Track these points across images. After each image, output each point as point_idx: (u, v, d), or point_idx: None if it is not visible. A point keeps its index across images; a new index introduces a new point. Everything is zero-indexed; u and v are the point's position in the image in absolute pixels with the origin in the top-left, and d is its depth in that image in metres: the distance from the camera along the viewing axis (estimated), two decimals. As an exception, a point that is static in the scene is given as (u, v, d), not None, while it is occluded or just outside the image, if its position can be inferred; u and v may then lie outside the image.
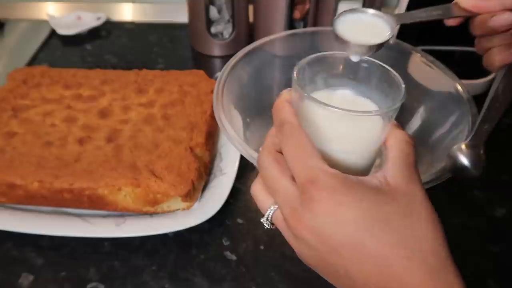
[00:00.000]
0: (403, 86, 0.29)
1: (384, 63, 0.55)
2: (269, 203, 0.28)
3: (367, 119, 0.29)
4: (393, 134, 0.28)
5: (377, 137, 0.29)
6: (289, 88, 0.30)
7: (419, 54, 0.53)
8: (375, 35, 0.32)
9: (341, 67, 0.33)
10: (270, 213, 0.28)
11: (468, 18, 0.34)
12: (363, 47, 0.32)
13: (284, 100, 0.29)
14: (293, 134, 0.26)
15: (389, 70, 0.31)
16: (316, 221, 0.24)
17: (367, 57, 0.31)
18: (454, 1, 0.33)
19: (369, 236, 0.23)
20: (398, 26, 0.33)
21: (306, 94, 0.28)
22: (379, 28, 0.33)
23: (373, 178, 0.26)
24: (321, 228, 0.24)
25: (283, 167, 0.27)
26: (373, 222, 0.23)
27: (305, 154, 0.26)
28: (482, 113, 0.36)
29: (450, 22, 0.35)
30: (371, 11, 0.34)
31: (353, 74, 0.33)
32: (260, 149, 0.29)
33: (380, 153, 0.31)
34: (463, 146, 0.33)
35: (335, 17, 0.33)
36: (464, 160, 0.33)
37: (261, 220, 0.29)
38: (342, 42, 0.33)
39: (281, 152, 0.28)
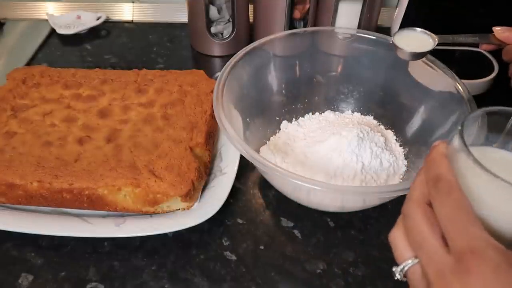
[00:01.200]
0: None
1: (384, 62, 0.55)
2: (409, 256, 0.27)
3: None
4: None
5: None
6: (446, 140, 0.28)
7: (443, 35, 0.53)
8: (422, 47, 0.47)
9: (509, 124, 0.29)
10: (407, 266, 0.27)
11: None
12: (414, 54, 0.47)
13: (441, 154, 0.27)
14: (452, 194, 0.24)
15: None
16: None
17: None
18: (493, 32, 0.45)
19: None
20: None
21: (472, 158, 0.25)
22: (425, 41, 0.48)
23: None
24: None
25: (434, 225, 0.25)
26: None
27: (467, 219, 0.23)
28: None
29: (484, 47, 0.49)
30: (419, 29, 0.49)
31: None
32: (407, 196, 0.28)
33: None
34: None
35: (394, 33, 0.48)
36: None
37: (394, 269, 0.28)
38: (399, 50, 0.48)
39: (430, 206, 0.26)
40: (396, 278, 0.28)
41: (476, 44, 0.50)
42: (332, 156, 0.55)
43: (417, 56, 0.48)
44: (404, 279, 0.28)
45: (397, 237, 0.28)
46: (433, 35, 0.48)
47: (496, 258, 0.22)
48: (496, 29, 0.44)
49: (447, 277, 0.23)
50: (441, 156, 0.27)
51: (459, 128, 0.26)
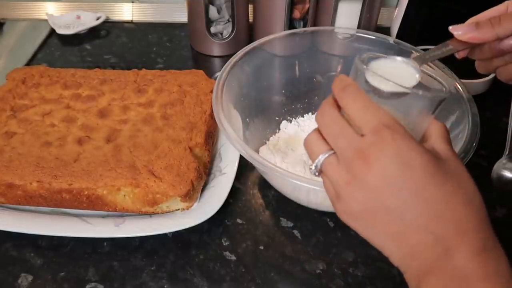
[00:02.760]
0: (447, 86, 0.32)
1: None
2: (323, 149, 0.29)
3: (421, 99, 0.30)
4: (435, 122, 0.31)
5: (423, 120, 0.31)
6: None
7: (419, 54, 0.53)
8: (405, 80, 0.33)
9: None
10: (322, 158, 0.29)
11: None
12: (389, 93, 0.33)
13: (344, 75, 0.31)
14: (358, 92, 0.28)
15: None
16: (385, 162, 0.26)
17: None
18: (453, 38, 0.36)
19: (433, 183, 0.25)
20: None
21: (365, 67, 0.31)
22: (408, 73, 0.35)
23: (424, 144, 0.29)
24: (390, 168, 0.25)
25: (346, 120, 0.28)
26: (435, 171, 0.26)
27: (373, 106, 0.27)
28: (510, 129, 0.41)
29: (461, 54, 0.40)
30: (398, 58, 0.35)
31: None
32: (322, 105, 0.30)
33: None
34: (504, 161, 0.34)
35: (363, 63, 0.33)
36: (510, 174, 0.37)
37: (310, 166, 0.30)
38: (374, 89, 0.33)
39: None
40: (313, 173, 0.30)
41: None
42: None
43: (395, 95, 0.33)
44: (319, 175, 0.30)
45: (312, 138, 0.30)
46: (416, 64, 0.35)
47: (403, 130, 0.26)
48: (456, 33, 0.35)
49: (365, 151, 0.26)
50: (345, 76, 0.31)
51: (356, 58, 0.32)
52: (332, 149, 0.29)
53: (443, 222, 0.25)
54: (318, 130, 0.30)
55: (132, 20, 0.90)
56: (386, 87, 0.30)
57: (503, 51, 0.35)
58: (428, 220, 0.26)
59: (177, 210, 0.48)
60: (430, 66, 0.52)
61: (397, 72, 0.35)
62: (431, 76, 0.33)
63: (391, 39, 0.54)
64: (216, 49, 0.79)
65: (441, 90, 0.32)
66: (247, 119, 0.56)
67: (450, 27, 0.35)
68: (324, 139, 0.29)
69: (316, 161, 0.29)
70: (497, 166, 0.34)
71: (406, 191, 0.25)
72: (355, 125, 0.28)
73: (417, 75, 0.34)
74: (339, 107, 0.30)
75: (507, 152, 0.37)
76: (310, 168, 0.30)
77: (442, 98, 0.30)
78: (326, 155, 0.29)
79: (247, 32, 0.79)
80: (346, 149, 0.27)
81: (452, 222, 0.25)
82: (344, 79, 0.30)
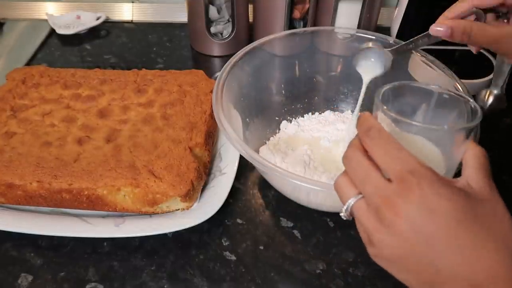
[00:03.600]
0: (479, 109, 0.31)
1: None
2: (353, 193, 0.29)
3: (445, 134, 0.31)
4: (472, 147, 0.30)
5: (458, 146, 0.31)
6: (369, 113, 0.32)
7: (419, 54, 0.53)
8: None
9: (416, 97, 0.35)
10: (352, 202, 0.29)
11: None
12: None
13: (368, 114, 0.31)
14: (382, 135, 0.28)
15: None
16: (412, 209, 0.25)
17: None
18: (428, 32, 0.41)
19: (463, 229, 0.25)
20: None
21: (393, 115, 0.30)
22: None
23: (457, 181, 0.28)
24: (416, 216, 0.25)
25: (373, 163, 0.28)
26: (465, 216, 0.25)
27: (398, 149, 0.27)
28: (494, 72, 0.51)
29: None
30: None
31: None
32: (348, 148, 0.30)
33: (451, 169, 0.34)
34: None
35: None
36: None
37: (341, 211, 0.30)
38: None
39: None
40: (343, 217, 0.31)
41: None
42: (332, 157, 0.55)
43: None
44: (349, 218, 0.31)
45: (341, 181, 0.30)
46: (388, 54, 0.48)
47: (429, 174, 0.26)
48: (436, 34, 0.41)
49: (391, 198, 0.26)
50: (369, 115, 0.31)
51: (377, 95, 0.32)
52: (360, 193, 0.29)
53: (475, 269, 0.25)
54: (346, 173, 0.30)
55: (132, 20, 0.90)
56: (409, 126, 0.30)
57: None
58: (459, 267, 0.25)
59: (177, 210, 0.48)
60: (430, 66, 0.52)
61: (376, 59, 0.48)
62: (461, 96, 0.33)
63: (391, 39, 0.54)
64: (216, 49, 0.79)
65: (473, 115, 0.31)
66: (247, 119, 0.56)
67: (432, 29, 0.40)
68: (352, 183, 0.29)
69: (346, 205, 0.30)
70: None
71: (435, 239, 0.25)
72: (382, 169, 0.28)
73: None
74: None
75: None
76: (340, 212, 0.31)
77: (473, 126, 0.30)
78: (355, 199, 0.29)
79: (247, 32, 0.79)
80: (373, 195, 0.27)
81: (484, 269, 0.25)
82: (367, 119, 0.30)
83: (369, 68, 0.50)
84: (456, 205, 0.25)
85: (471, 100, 0.32)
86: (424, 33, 0.43)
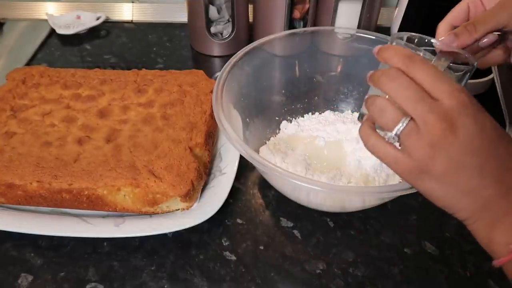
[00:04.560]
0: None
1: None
2: (401, 116, 0.30)
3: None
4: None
5: None
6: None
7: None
8: None
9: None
10: (404, 124, 0.30)
11: None
12: None
13: (396, 46, 0.32)
14: (424, 61, 0.30)
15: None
16: (469, 124, 0.28)
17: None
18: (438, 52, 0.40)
19: (503, 142, 0.30)
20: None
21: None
22: None
23: None
24: (472, 130, 0.28)
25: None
26: (501, 133, 0.30)
27: (441, 72, 0.30)
28: (503, 101, 0.51)
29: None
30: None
31: None
32: (387, 70, 0.31)
33: None
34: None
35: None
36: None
37: (389, 134, 0.31)
38: None
39: None
40: (391, 139, 0.31)
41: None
42: (332, 157, 0.55)
43: None
44: (393, 140, 0.31)
45: (383, 103, 0.31)
46: None
47: (469, 94, 0.29)
48: (442, 47, 0.38)
49: (449, 114, 0.28)
50: (396, 46, 0.32)
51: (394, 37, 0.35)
52: (407, 115, 0.30)
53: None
54: (384, 98, 0.31)
55: (132, 20, 0.90)
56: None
57: (481, 48, 0.40)
58: (502, 172, 0.29)
59: (177, 210, 0.48)
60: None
61: None
62: (458, 52, 0.35)
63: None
64: (216, 49, 0.79)
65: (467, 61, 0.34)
66: (247, 119, 0.56)
67: (435, 43, 0.38)
68: (396, 105, 0.30)
69: (397, 127, 0.30)
70: None
71: (485, 149, 0.29)
72: (428, 90, 0.29)
73: None
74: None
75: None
76: (387, 137, 0.31)
77: (471, 70, 0.32)
78: (406, 121, 0.30)
79: (247, 32, 0.79)
80: (428, 113, 0.29)
81: None
82: (400, 50, 0.31)
83: None
84: (495, 123, 0.30)
85: (468, 54, 0.35)
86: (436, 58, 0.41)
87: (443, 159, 0.29)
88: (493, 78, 0.67)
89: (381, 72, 0.31)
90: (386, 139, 0.31)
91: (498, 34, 0.38)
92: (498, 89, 0.46)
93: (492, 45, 0.39)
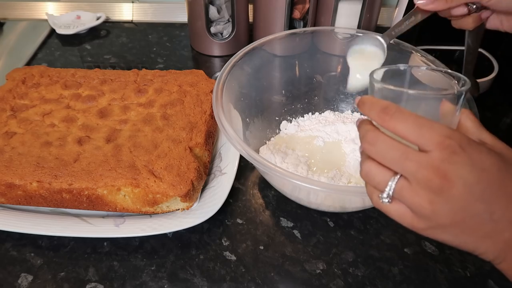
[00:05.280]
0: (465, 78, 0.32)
1: (385, 62, 0.55)
2: (389, 176, 0.29)
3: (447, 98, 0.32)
4: (463, 113, 0.32)
5: (452, 115, 0.32)
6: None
7: (419, 54, 0.53)
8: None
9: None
10: (393, 185, 0.29)
11: None
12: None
13: (370, 96, 0.31)
14: (401, 110, 0.28)
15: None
16: (464, 171, 0.26)
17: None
18: (416, 7, 0.43)
19: (508, 178, 0.27)
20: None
21: (390, 87, 0.31)
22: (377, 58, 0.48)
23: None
24: (469, 176, 0.26)
25: (400, 142, 0.28)
26: (505, 166, 0.27)
27: (424, 119, 0.28)
28: (464, 59, 0.49)
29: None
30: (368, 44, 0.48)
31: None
32: (363, 133, 0.30)
33: None
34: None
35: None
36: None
37: (380, 196, 0.29)
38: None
39: None
40: (384, 201, 0.29)
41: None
42: (331, 157, 0.55)
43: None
44: (391, 202, 0.29)
45: (370, 168, 0.30)
46: (382, 37, 0.48)
47: (462, 135, 0.27)
48: (419, 3, 0.42)
49: (440, 166, 0.26)
50: (373, 97, 0.31)
51: (372, 76, 0.32)
52: (395, 173, 0.29)
53: None
54: (371, 159, 0.30)
55: (132, 20, 0.90)
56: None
57: (455, 16, 0.42)
58: None
59: (177, 210, 0.48)
60: (430, 66, 0.52)
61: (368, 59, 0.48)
62: (448, 73, 0.34)
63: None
64: (216, 49, 0.79)
65: (460, 81, 0.33)
66: (247, 119, 0.56)
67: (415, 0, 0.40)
68: (383, 166, 0.29)
69: (387, 189, 0.29)
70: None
71: (488, 193, 0.27)
72: (410, 144, 0.28)
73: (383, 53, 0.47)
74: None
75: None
76: (380, 197, 0.29)
77: (463, 92, 0.31)
78: (395, 180, 0.28)
79: (247, 32, 0.79)
80: (418, 170, 0.27)
81: None
82: (375, 101, 0.30)
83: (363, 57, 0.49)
84: (497, 159, 0.27)
85: (459, 74, 0.33)
86: (410, 11, 0.44)
87: (447, 213, 0.27)
88: (493, 79, 0.67)
89: (362, 137, 0.30)
90: (385, 198, 0.30)
91: (474, 5, 0.41)
92: (465, 47, 0.49)
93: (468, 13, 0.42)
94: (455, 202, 0.27)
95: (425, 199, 0.27)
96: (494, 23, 0.44)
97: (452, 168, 0.26)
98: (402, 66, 0.35)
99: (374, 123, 0.30)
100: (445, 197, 0.27)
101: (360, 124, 0.31)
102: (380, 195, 0.29)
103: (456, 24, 0.45)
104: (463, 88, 0.30)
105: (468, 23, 0.43)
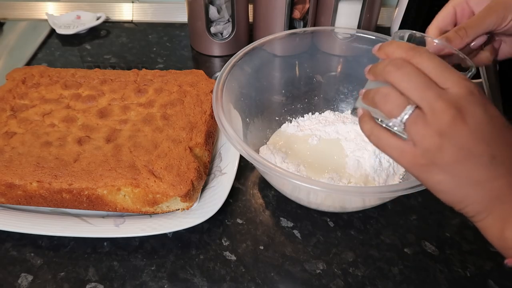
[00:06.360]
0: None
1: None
2: (406, 103, 0.29)
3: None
4: None
5: None
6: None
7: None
8: None
9: None
10: (410, 110, 0.29)
11: None
12: None
13: (399, 42, 0.32)
14: (429, 51, 0.30)
15: None
16: (479, 112, 0.28)
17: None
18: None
19: (508, 131, 0.29)
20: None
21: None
22: None
23: None
24: (481, 119, 0.28)
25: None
26: (506, 123, 0.29)
27: (446, 63, 0.30)
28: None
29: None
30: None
31: None
32: (392, 59, 0.31)
33: None
34: None
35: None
36: None
37: (392, 122, 0.30)
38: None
39: None
40: (399, 129, 0.30)
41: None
42: (331, 157, 0.55)
43: None
44: (397, 128, 0.30)
45: (390, 91, 0.30)
46: None
47: (476, 85, 0.29)
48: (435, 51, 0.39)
49: (458, 102, 0.28)
50: (399, 41, 0.32)
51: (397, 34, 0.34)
52: (413, 103, 0.29)
53: None
54: (388, 86, 0.30)
55: (132, 20, 0.90)
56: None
57: (471, 50, 0.41)
58: (510, 155, 0.28)
59: (177, 210, 0.48)
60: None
61: None
62: (461, 56, 0.35)
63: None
64: (216, 49, 0.79)
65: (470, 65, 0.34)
66: (247, 119, 0.56)
67: (437, 43, 0.38)
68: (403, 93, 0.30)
69: (403, 114, 0.29)
70: None
71: (494, 138, 0.28)
72: (434, 81, 0.29)
73: None
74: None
75: None
76: (392, 124, 0.30)
77: (472, 74, 0.32)
78: (413, 108, 0.29)
79: (247, 32, 0.79)
80: (437, 100, 0.28)
81: None
82: (403, 44, 0.31)
83: None
84: (501, 114, 0.29)
85: (471, 62, 0.35)
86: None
87: (452, 148, 0.28)
88: (481, 82, 0.67)
89: (387, 62, 0.31)
90: (397, 125, 0.30)
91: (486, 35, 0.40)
92: (485, 91, 0.47)
93: (480, 47, 0.40)
94: (463, 138, 0.28)
95: (436, 131, 0.28)
96: (505, 51, 0.43)
97: (467, 105, 0.28)
98: (418, 34, 0.36)
99: (371, 84, 0.32)
100: (456, 131, 0.28)
101: (382, 49, 0.32)
102: (390, 122, 0.30)
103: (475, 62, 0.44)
104: (469, 74, 0.33)
105: (486, 58, 0.42)
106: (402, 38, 0.36)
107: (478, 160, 0.28)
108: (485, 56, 0.41)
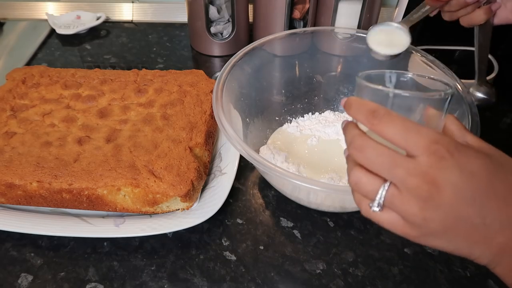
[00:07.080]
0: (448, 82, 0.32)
1: (384, 62, 0.55)
2: (379, 184, 0.28)
3: (433, 101, 0.31)
4: (448, 117, 0.32)
5: (438, 119, 0.31)
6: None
7: (419, 54, 0.53)
8: (396, 46, 0.48)
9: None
10: (383, 192, 0.28)
11: None
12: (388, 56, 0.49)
13: (355, 98, 0.30)
14: (391, 114, 0.28)
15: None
16: (452, 176, 0.26)
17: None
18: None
19: (498, 180, 0.26)
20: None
21: (377, 87, 0.30)
22: (400, 38, 0.48)
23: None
24: (458, 181, 0.26)
25: (389, 147, 0.28)
26: (494, 169, 0.27)
27: (412, 123, 0.27)
28: (476, 59, 0.51)
29: (434, 13, 0.49)
30: (394, 24, 0.49)
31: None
32: (349, 138, 0.29)
33: None
34: (476, 85, 0.48)
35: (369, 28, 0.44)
36: (481, 94, 0.46)
37: (371, 205, 0.29)
38: (373, 52, 0.49)
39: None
40: (375, 209, 0.29)
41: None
42: (331, 157, 0.55)
43: (392, 56, 0.49)
44: (381, 210, 0.29)
45: (359, 176, 0.29)
46: (407, 29, 0.48)
47: (450, 139, 0.27)
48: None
49: (429, 172, 0.26)
50: (360, 99, 0.30)
51: (357, 77, 0.32)
52: (385, 180, 0.28)
53: None
54: (359, 166, 0.29)
55: (132, 20, 0.90)
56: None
57: (467, 3, 0.41)
58: (507, 214, 0.26)
59: (177, 210, 0.48)
60: (430, 66, 0.52)
61: (392, 35, 0.48)
62: (432, 79, 0.34)
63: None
64: (216, 49, 0.79)
65: (446, 88, 0.32)
66: (247, 119, 0.56)
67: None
68: (371, 173, 0.28)
69: (378, 197, 0.28)
70: (470, 90, 0.42)
71: (479, 197, 0.26)
72: (398, 148, 0.27)
73: (408, 40, 0.48)
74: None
75: (476, 78, 0.52)
76: (371, 206, 0.29)
77: (449, 96, 0.30)
78: (386, 189, 0.28)
79: (247, 32, 0.79)
80: (407, 177, 0.27)
81: None
82: (363, 103, 0.29)
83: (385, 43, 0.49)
84: (486, 161, 0.27)
85: (445, 80, 0.33)
86: (420, 4, 0.46)
87: (438, 218, 0.27)
88: (493, 79, 0.67)
89: (349, 143, 0.29)
90: (376, 207, 0.29)
91: None
92: (475, 46, 0.49)
93: (477, 4, 0.41)
94: (445, 208, 0.26)
95: (415, 207, 0.27)
96: (503, 16, 0.42)
97: (440, 174, 0.26)
98: (388, 72, 0.34)
99: (360, 125, 0.30)
100: (435, 204, 0.26)
101: (346, 127, 0.30)
102: (370, 204, 0.29)
103: (466, 20, 0.43)
104: (449, 91, 0.30)
105: (479, 16, 0.42)
106: (368, 78, 0.32)
107: (469, 222, 0.27)
108: (479, 14, 0.42)
